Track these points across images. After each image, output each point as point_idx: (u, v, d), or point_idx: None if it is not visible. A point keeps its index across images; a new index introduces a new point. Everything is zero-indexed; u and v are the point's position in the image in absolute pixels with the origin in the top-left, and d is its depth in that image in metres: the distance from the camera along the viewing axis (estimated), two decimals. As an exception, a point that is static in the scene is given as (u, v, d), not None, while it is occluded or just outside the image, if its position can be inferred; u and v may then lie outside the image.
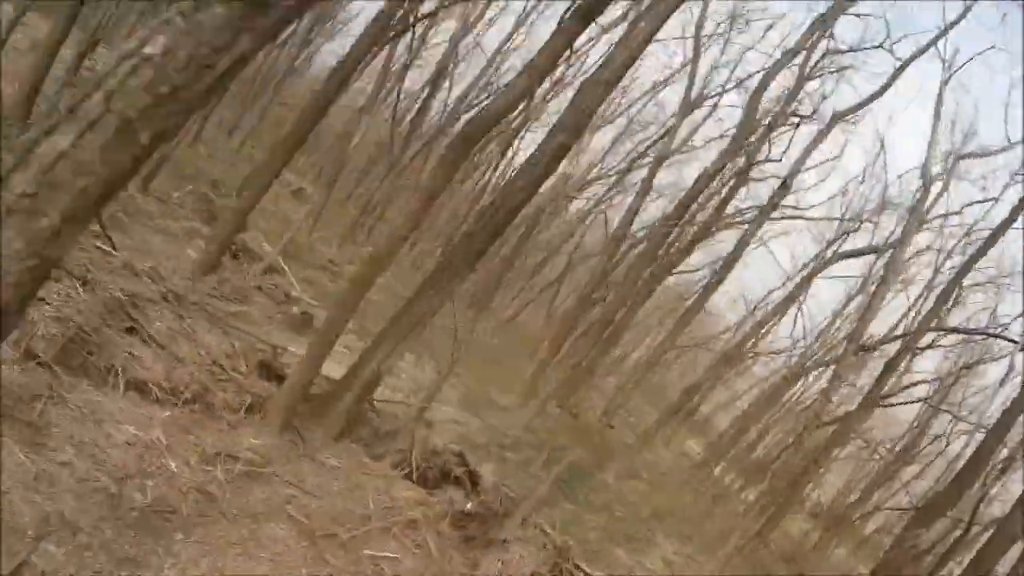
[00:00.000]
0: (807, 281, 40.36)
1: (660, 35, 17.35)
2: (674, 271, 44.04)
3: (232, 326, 18.48)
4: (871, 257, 43.81)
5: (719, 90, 44.30)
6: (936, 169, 34.31)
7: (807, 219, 44.42)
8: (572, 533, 19.44)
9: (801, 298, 42.99)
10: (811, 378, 49.66)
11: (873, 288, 38.48)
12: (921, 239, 41.20)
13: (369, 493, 15.49)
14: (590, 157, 60.80)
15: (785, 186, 21.86)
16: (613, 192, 57.74)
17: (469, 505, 16.54)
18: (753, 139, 34.71)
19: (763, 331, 48.02)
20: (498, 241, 31.68)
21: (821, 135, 33.10)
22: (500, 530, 16.07)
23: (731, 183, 37.41)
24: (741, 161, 35.51)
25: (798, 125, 34.12)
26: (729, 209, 38.87)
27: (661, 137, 45.04)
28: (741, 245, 22.11)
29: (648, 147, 51.09)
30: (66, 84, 24.70)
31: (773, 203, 21.88)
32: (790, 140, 34.32)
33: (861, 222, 43.52)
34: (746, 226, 35.52)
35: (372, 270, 16.54)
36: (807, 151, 29.16)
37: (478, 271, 57.21)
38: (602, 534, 22.73)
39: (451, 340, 35.65)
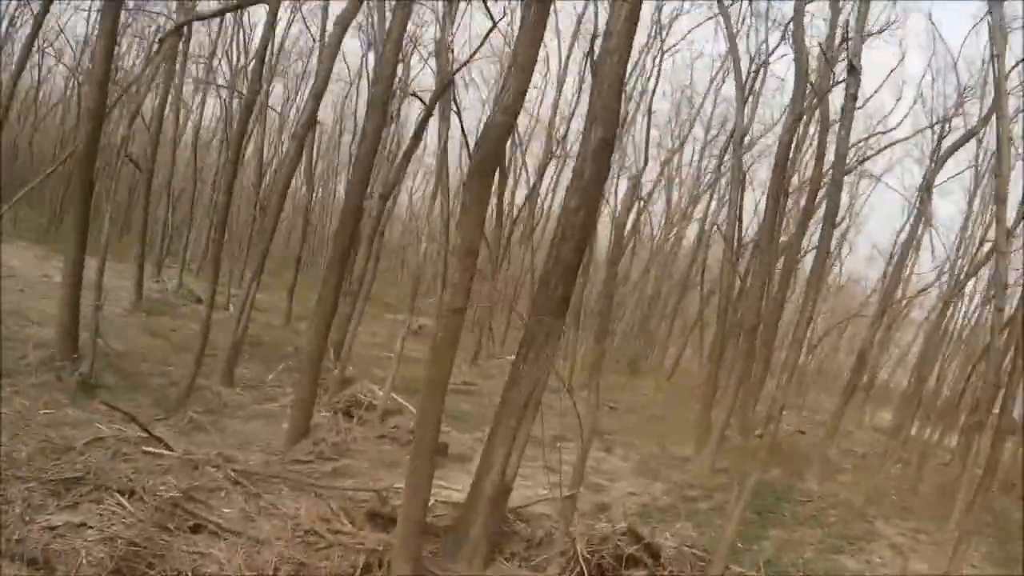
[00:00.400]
0: (926, 196, 36.28)
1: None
2: (801, 253, 40.84)
3: (326, 486, 16.39)
4: (975, 149, 41.30)
5: (764, 48, 41.72)
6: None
7: (900, 141, 41.82)
8: (787, 560, 18.52)
9: (928, 218, 39.27)
10: (967, 297, 46.50)
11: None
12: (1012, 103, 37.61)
13: (537, 613, 12.89)
14: (689, 186, 59.07)
15: (854, 70, 18.67)
16: (716, 204, 54.30)
17: None
18: (814, 76, 31.40)
19: (906, 273, 44.30)
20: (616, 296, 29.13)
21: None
22: None
23: (817, 132, 34.46)
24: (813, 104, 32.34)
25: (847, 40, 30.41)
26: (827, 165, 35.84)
27: (732, 134, 41.90)
28: (837, 178, 18.54)
29: (726, 142, 47.95)
30: (97, 307, 22.53)
31: (851, 94, 18.64)
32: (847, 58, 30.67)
33: (949, 119, 39.67)
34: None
35: (440, 365, 13.20)
36: (860, 27, 25.14)
37: (618, 333, 55.05)
38: (820, 547, 20.58)
39: (612, 415, 33.62)
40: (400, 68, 42.22)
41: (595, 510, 19.72)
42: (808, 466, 28.87)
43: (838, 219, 35.36)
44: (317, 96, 26.93)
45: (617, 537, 14.65)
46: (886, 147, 41.56)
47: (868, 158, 40.06)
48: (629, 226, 47.40)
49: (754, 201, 46.48)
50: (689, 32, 58.85)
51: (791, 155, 32.78)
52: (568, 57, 47.72)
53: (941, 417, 41.03)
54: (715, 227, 47.90)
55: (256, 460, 17.71)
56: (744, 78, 37.12)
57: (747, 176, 39.16)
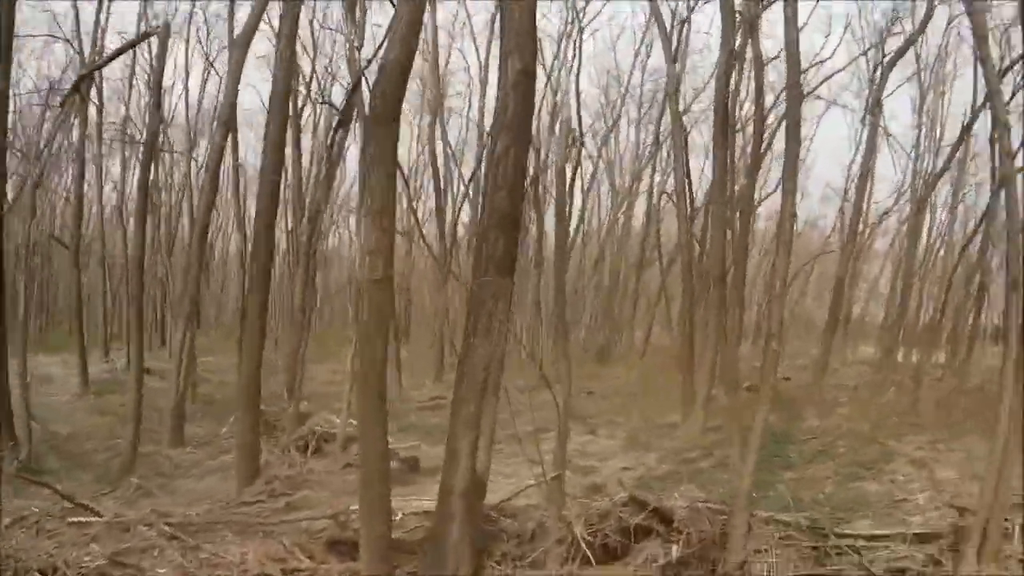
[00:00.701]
0: (877, 110, 34.27)
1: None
2: (758, 203, 39.90)
3: (275, 522, 14.54)
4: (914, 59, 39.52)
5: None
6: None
7: (838, 72, 40.35)
8: (807, 497, 17.26)
9: (883, 129, 37.31)
10: (930, 208, 43.91)
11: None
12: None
13: (545, 616, 11.91)
14: (630, 164, 56.86)
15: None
16: (661, 176, 52.14)
17: (674, 550, 12.55)
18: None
19: (865, 200, 42.13)
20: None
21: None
22: (731, 552, 12.56)
23: (751, 73, 32.56)
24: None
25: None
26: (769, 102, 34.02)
27: (664, 106, 40.32)
28: (793, 83, 16.16)
29: (662, 105, 45.93)
30: (24, 388, 21.61)
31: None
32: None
33: (884, 40, 37.55)
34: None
35: (371, 348, 11.07)
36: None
37: (582, 325, 53.28)
38: (837, 478, 19.71)
39: (589, 400, 31.86)
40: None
41: (588, 492, 17.83)
42: (803, 407, 28.08)
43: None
44: (225, 122, 25.39)
45: (619, 509, 13.04)
46: (825, 80, 39.67)
47: (809, 93, 37.87)
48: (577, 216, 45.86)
49: (699, 168, 44.60)
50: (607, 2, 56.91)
51: (729, 95, 30.65)
52: (487, 58, 45.69)
53: (924, 336, 39.33)
54: (663, 195, 46.27)
55: (198, 511, 15.71)
56: (669, 28, 36.08)
57: (688, 141, 37.01)
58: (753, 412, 14.27)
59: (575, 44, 45.38)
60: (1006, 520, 12.75)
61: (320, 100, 37.77)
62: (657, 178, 52.01)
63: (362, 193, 23.21)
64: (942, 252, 45.31)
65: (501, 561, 12.56)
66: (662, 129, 47.04)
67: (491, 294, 11.76)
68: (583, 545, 12.23)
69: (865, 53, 39.06)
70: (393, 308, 11.54)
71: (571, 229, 47.48)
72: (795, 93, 16.80)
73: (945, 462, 20.34)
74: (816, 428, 25.18)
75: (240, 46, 24.05)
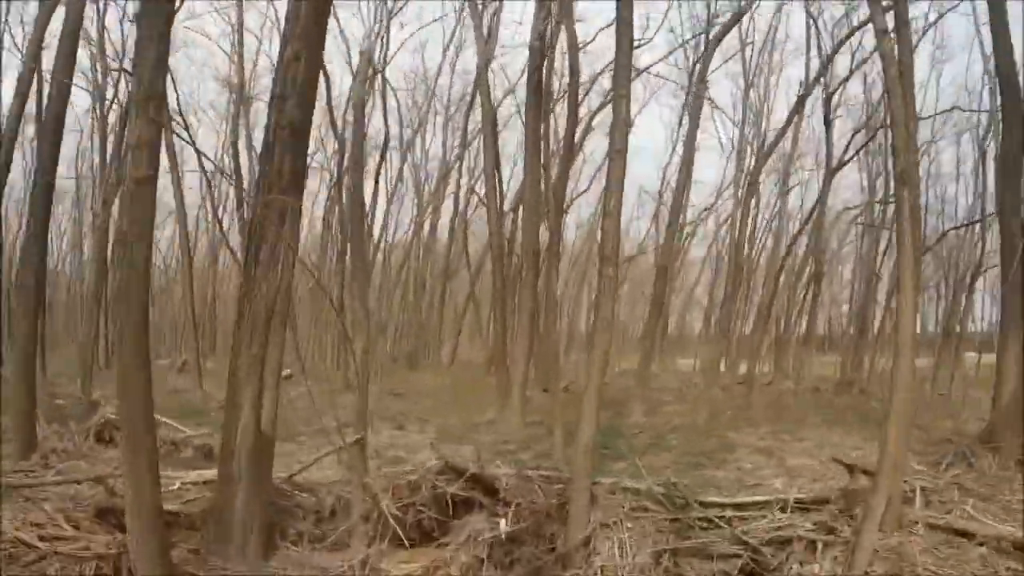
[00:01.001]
0: (702, 86, 32.81)
1: None
2: (570, 201, 40.26)
3: (34, 485, 12.69)
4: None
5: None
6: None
7: (659, 61, 39.74)
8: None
9: (709, 99, 35.97)
10: (756, 203, 42.89)
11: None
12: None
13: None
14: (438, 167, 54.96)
15: None
16: (472, 177, 50.96)
17: (502, 524, 10.88)
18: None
19: (684, 198, 40.44)
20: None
21: None
22: (573, 527, 10.73)
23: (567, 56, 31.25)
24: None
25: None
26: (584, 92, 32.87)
27: (473, 102, 38.87)
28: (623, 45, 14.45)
29: (468, 110, 45.70)
30: None
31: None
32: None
33: (713, 25, 36.35)
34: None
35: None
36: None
37: (389, 333, 51.52)
38: (676, 467, 18.20)
39: (398, 400, 30.36)
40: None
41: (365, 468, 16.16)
42: (627, 405, 27.03)
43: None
44: (17, 115, 23.12)
45: (433, 478, 11.41)
46: (648, 68, 38.57)
47: (640, 73, 36.70)
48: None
49: (509, 174, 43.35)
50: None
51: (544, 59, 29.56)
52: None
53: (750, 343, 38.68)
54: (472, 193, 46.72)
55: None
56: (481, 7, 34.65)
57: (498, 142, 35.52)
58: (575, 410, 12.67)
59: (383, 41, 43.98)
60: (905, 482, 11.52)
61: (118, 68, 35.18)
62: (464, 180, 51.13)
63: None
64: (763, 260, 43.89)
65: (297, 541, 10.82)
66: (471, 129, 46.08)
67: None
68: (392, 522, 10.54)
69: (686, 43, 38.69)
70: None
71: (375, 236, 46.54)
72: (624, 57, 15.18)
73: (792, 451, 19.73)
74: (644, 423, 24.39)
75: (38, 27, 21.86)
